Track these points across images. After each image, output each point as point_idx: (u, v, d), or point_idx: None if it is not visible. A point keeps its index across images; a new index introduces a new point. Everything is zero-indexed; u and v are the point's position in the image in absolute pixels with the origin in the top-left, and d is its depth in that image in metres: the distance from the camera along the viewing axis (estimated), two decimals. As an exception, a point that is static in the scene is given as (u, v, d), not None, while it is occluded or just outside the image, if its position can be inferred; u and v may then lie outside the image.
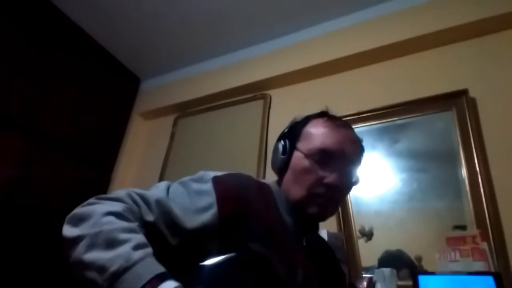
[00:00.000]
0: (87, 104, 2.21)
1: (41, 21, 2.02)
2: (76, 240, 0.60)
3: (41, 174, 1.87)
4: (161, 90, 2.50)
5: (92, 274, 0.55)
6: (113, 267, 0.54)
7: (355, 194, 1.55)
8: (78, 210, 0.65)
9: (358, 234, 1.47)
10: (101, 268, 0.55)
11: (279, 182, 0.85)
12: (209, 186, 0.71)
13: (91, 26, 2.22)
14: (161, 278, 0.54)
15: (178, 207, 0.67)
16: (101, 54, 2.36)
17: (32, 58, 1.94)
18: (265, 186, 0.82)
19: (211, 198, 0.69)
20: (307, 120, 0.87)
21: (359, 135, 0.88)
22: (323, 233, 1.20)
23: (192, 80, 2.37)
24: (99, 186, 2.13)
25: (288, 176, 0.81)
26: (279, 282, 0.64)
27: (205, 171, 0.76)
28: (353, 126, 1.65)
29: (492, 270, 1.05)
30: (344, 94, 1.81)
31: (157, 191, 0.71)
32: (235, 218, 0.68)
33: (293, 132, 0.85)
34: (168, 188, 0.72)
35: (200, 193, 0.70)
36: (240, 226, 0.68)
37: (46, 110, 1.96)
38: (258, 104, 2.05)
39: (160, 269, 0.56)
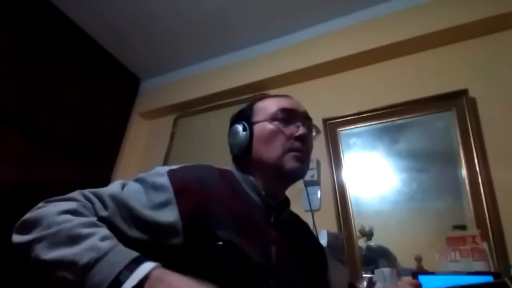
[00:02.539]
0: (87, 104, 2.21)
1: (41, 21, 2.02)
2: (32, 243, 0.57)
3: (41, 174, 1.87)
4: (161, 90, 2.50)
5: (60, 273, 0.54)
6: (83, 260, 0.52)
7: (355, 194, 1.56)
8: (28, 216, 0.63)
9: (358, 234, 1.47)
10: (70, 264, 0.53)
11: (240, 164, 0.85)
12: (165, 179, 0.69)
13: (91, 26, 2.22)
14: (137, 261, 0.53)
15: (134, 202, 0.66)
16: (101, 54, 2.36)
17: (32, 58, 1.94)
18: (226, 172, 0.82)
19: (168, 193, 0.67)
20: (251, 103, 0.91)
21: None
22: (323, 233, 1.20)
23: (192, 80, 2.37)
24: (99, 186, 2.12)
25: (256, 149, 0.82)
26: (253, 264, 0.63)
27: (161, 166, 0.75)
28: (353, 126, 1.70)
29: (492, 270, 1.05)
30: (344, 94, 1.81)
31: (111, 187, 0.70)
32: (197, 211, 0.67)
33: (244, 113, 0.89)
34: (123, 186, 0.71)
35: (156, 188, 0.69)
36: (204, 217, 0.67)
37: (46, 110, 1.96)
38: (258, 104, 2.05)
39: (134, 253, 0.55)
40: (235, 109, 0.94)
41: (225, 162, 0.91)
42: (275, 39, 2.16)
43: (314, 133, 0.88)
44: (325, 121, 1.72)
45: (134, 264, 0.52)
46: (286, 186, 0.87)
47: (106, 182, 2.23)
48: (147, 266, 0.53)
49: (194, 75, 2.39)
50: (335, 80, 1.90)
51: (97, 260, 0.52)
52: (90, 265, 0.52)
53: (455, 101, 1.47)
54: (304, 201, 1.44)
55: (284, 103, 0.86)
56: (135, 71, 2.59)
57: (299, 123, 0.83)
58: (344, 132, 1.69)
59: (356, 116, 1.68)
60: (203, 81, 2.30)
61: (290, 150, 0.79)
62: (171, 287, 0.51)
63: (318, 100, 1.86)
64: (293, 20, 2.03)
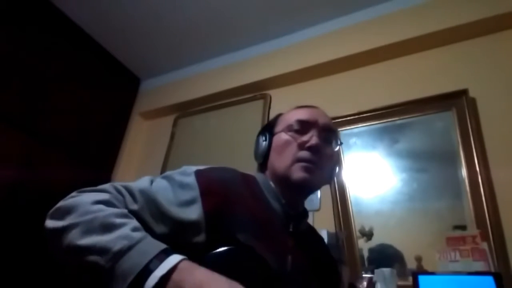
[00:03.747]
0: (87, 104, 2.21)
1: (41, 21, 2.02)
2: (67, 228, 0.59)
3: (42, 174, 1.87)
4: (161, 90, 2.50)
5: (92, 258, 0.55)
6: (116, 247, 0.54)
7: (355, 194, 1.56)
8: (62, 203, 0.65)
9: (358, 234, 1.47)
10: (102, 250, 0.55)
11: (264, 171, 0.87)
12: (192, 179, 0.71)
13: (91, 26, 2.23)
14: (166, 252, 0.55)
15: (162, 198, 0.68)
16: (101, 54, 2.36)
17: (32, 58, 1.94)
18: (249, 177, 0.83)
19: (194, 192, 0.69)
20: (279, 114, 0.94)
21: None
22: (323, 233, 1.20)
23: (192, 80, 2.37)
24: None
25: (271, 158, 0.84)
26: (269, 271, 0.64)
27: (188, 166, 0.77)
28: (353, 126, 1.70)
29: (492, 270, 1.05)
30: (344, 94, 1.81)
31: (140, 182, 0.72)
32: (220, 211, 0.68)
33: (269, 124, 0.92)
34: (151, 181, 0.73)
35: (183, 186, 0.70)
36: (226, 218, 0.68)
37: (46, 110, 1.96)
38: (258, 104, 2.05)
39: (164, 245, 0.57)
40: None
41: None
42: (275, 39, 2.16)
43: (333, 147, 0.85)
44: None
45: (163, 254, 0.55)
46: (302, 197, 0.87)
47: (106, 182, 2.21)
48: (176, 257, 0.55)
49: (194, 75, 2.39)
50: (335, 80, 1.90)
51: (129, 248, 0.54)
52: (122, 252, 0.54)
53: (455, 101, 1.47)
54: (305, 201, 1.43)
55: (302, 114, 0.86)
56: (135, 71, 2.59)
57: (313, 134, 0.82)
58: (344, 132, 1.69)
59: (356, 116, 1.67)
60: (203, 81, 2.30)
61: (298, 160, 0.79)
62: (198, 279, 0.52)
63: (318, 100, 1.85)
64: (293, 20, 2.03)
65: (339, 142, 0.87)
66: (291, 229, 0.79)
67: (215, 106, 2.23)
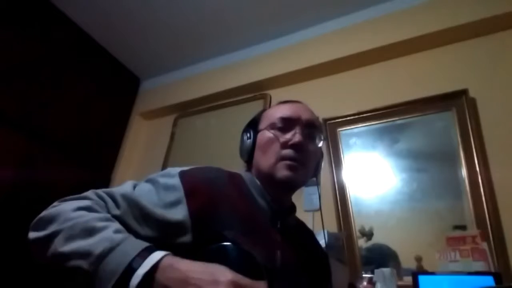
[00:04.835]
0: (87, 104, 2.21)
1: (41, 21, 2.02)
2: (50, 237, 0.59)
3: (42, 174, 1.88)
4: (161, 90, 2.50)
5: (75, 262, 0.55)
6: (98, 250, 0.55)
7: (355, 194, 1.56)
8: (43, 214, 0.65)
9: (358, 234, 1.47)
10: (85, 254, 0.55)
11: (250, 169, 0.87)
12: (176, 180, 0.71)
13: (91, 26, 2.23)
14: (149, 250, 0.56)
15: (146, 201, 0.68)
16: (101, 54, 2.36)
17: (32, 58, 1.94)
18: (235, 175, 0.83)
19: (179, 193, 0.69)
20: (262, 110, 0.94)
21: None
22: (323, 233, 1.19)
23: (192, 80, 2.37)
24: (99, 186, 2.11)
25: (256, 156, 0.84)
26: (258, 266, 0.64)
27: (172, 167, 0.77)
28: (353, 126, 1.69)
29: (492, 270, 1.05)
30: (344, 94, 1.81)
31: (123, 187, 0.72)
32: (205, 211, 0.68)
33: (254, 121, 0.91)
34: (134, 186, 0.73)
35: (167, 188, 0.70)
36: (212, 217, 0.68)
37: (46, 110, 1.96)
38: (258, 104, 2.05)
39: (146, 243, 0.57)
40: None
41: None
42: (275, 39, 2.16)
43: (317, 140, 0.85)
44: (325, 121, 1.72)
45: (146, 252, 0.55)
46: (287, 193, 0.87)
47: (106, 182, 2.23)
48: (158, 254, 0.55)
49: (194, 75, 2.39)
50: (335, 80, 1.90)
51: (111, 250, 0.55)
52: (105, 254, 0.54)
53: (455, 101, 1.47)
54: (305, 201, 1.44)
55: (285, 111, 0.85)
56: (135, 71, 2.59)
57: (296, 131, 0.81)
58: (344, 132, 1.69)
59: (356, 116, 1.67)
60: (203, 81, 2.30)
61: (282, 158, 0.79)
62: (181, 272, 0.52)
63: (318, 100, 1.86)
64: (293, 20, 2.03)
65: (322, 138, 0.87)
66: (278, 226, 0.79)
67: (215, 106, 2.23)
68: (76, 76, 2.17)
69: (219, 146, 2.07)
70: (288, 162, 0.78)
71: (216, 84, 2.21)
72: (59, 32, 2.11)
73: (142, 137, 2.48)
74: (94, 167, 2.19)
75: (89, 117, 2.20)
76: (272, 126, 0.83)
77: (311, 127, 0.84)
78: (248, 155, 0.85)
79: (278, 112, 0.86)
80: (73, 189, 0.71)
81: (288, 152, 0.79)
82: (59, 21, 2.12)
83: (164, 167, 2.16)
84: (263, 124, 0.86)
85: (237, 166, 0.85)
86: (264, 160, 0.81)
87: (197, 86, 2.30)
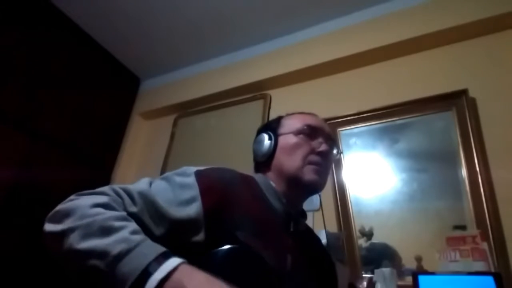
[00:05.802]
0: (87, 104, 2.21)
1: (41, 21, 2.02)
2: (66, 232, 0.59)
3: (42, 174, 1.88)
4: (161, 90, 2.50)
5: (92, 262, 0.55)
6: (115, 250, 0.54)
7: (355, 194, 1.56)
8: (60, 207, 0.65)
9: (358, 234, 1.47)
10: (102, 254, 0.55)
11: (263, 171, 0.89)
12: (192, 179, 0.72)
13: (91, 26, 2.22)
14: (165, 255, 0.55)
15: (162, 199, 0.68)
16: (101, 54, 2.36)
17: (32, 58, 1.93)
18: (249, 177, 0.85)
19: (194, 191, 0.69)
20: (279, 117, 0.97)
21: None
22: (323, 233, 1.20)
23: (192, 80, 2.37)
24: (99, 186, 2.12)
25: (279, 158, 0.87)
26: (269, 270, 0.64)
27: (187, 166, 0.77)
28: (353, 126, 1.70)
29: (492, 270, 1.05)
30: (344, 94, 1.81)
31: (139, 184, 0.72)
32: (219, 210, 0.69)
33: (271, 125, 0.94)
34: (150, 183, 0.73)
35: (183, 186, 0.71)
36: (225, 217, 0.69)
37: (46, 111, 1.96)
38: (258, 104, 2.05)
39: (163, 248, 0.57)
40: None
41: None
42: (275, 39, 2.16)
43: (335, 153, 0.92)
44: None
45: (162, 257, 0.54)
46: (304, 197, 0.90)
47: (106, 182, 2.23)
48: (175, 260, 0.54)
49: (194, 75, 2.39)
50: (335, 80, 1.90)
51: (128, 251, 0.54)
52: (122, 256, 0.54)
53: (455, 101, 1.47)
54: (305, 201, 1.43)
55: (310, 120, 0.91)
56: (135, 71, 2.59)
57: (322, 140, 0.87)
58: (344, 132, 1.69)
59: (356, 116, 1.67)
60: (203, 81, 2.30)
61: (310, 162, 0.83)
62: (197, 283, 0.52)
63: (318, 100, 1.86)
64: (293, 20, 2.03)
65: (340, 152, 0.94)
66: (291, 229, 0.80)
67: (215, 106, 2.23)
68: (76, 76, 2.16)
69: (219, 146, 2.07)
70: (316, 167, 0.83)
71: (216, 84, 2.21)
72: (60, 32, 2.11)
73: (142, 137, 2.48)
74: (94, 167, 2.19)
75: (89, 117, 2.20)
76: (298, 132, 0.87)
77: (331, 140, 0.91)
78: (268, 156, 0.87)
79: (303, 120, 0.90)
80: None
81: (316, 158, 0.84)
82: (59, 21, 2.11)
83: (164, 167, 2.16)
84: (285, 129, 0.90)
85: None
86: (290, 162, 0.84)
87: (197, 86, 2.30)
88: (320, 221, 1.51)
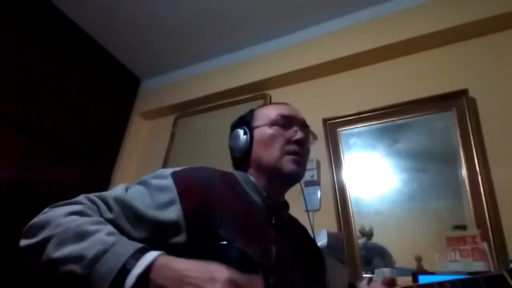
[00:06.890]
0: (87, 104, 2.21)
1: (40, 21, 2.02)
2: (41, 244, 0.58)
3: (42, 174, 1.87)
4: (161, 90, 2.50)
5: (69, 268, 0.54)
6: (91, 253, 0.54)
7: (355, 194, 1.56)
8: (34, 220, 0.64)
9: (358, 234, 1.47)
10: (78, 258, 0.54)
11: (242, 167, 0.89)
12: (169, 181, 0.71)
13: (91, 26, 2.22)
14: (142, 250, 0.55)
15: (139, 204, 0.67)
16: (101, 54, 2.35)
17: (32, 58, 1.93)
18: (228, 174, 0.84)
19: (172, 193, 0.69)
20: (251, 110, 0.97)
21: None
22: (323, 233, 1.20)
23: (192, 80, 2.37)
24: (99, 186, 2.12)
25: (256, 151, 0.86)
26: (254, 264, 0.64)
27: (164, 168, 0.77)
28: (353, 126, 1.70)
29: (492, 270, 1.05)
30: (344, 94, 1.81)
31: (115, 191, 0.71)
32: (199, 210, 0.68)
33: (244, 119, 0.93)
34: (126, 189, 0.72)
35: (160, 189, 0.70)
36: (206, 216, 0.68)
37: (46, 110, 1.96)
38: (258, 104, 2.04)
39: (139, 244, 0.56)
40: (235, 109, 0.96)
41: (225, 162, 0.92)
42: (275, 39, 2.15)
43: (311, 139, 0.93)
44: (325, 121, 1.72)
45: (139, 253, 0.54)
46: (285, 188, 0.89)
47: (106, 182, 2.23)
48: (152, 254, 0.54)
49: (194, 75, 2.39)
50: (335, 80, 1.90)
51: (104, 252, 0.54)
52: (98, 257, 0.53)
53: (455, 101, 1.47)
54: (305, 201, 1.43)
55: (283, 110, 0.90)
56: (135, 71, 2.59)
57: (297, 128, 0.87)
58: (344, 132, 1.69)
59: (356, 116, 1.67)
60: (203, 81, 2.30)
61: (288, 153, 0.83)
62: (177, 271, 0.52)
63: (318, 100, 1.86)
64: (293, 20, 2.03)
65: (315, 137, 0.94)
66: (273, 221, 0.80)
67: (215, 106, 2.23)
68: (76, 76, 2.16)
69: (219, 146, 2.06)
70: (294, 156, 0.83)
71: (216, 84, 2.21)
72: (60, 32, 2.11)
73: (142, 137, 2.48)
74: (94, 167, 2.19)
75: (89, 117, 2.20)
76: (272, 123, 0.87)
77: (306, 127, 0.91)
78: (245, 151, 0.87)
79: (276, 110, 0.90)
80: (73, 189, 0.71)
81: (293, 147, 0.84)
82: (60, 21, 2.11)
83: (164, 167, 2.16)
84: (259, 122, 0.89)
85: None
86: (267, 154, 0.84)
87: (197, 86, 2.30)
88: (320, 221, 1.52)
